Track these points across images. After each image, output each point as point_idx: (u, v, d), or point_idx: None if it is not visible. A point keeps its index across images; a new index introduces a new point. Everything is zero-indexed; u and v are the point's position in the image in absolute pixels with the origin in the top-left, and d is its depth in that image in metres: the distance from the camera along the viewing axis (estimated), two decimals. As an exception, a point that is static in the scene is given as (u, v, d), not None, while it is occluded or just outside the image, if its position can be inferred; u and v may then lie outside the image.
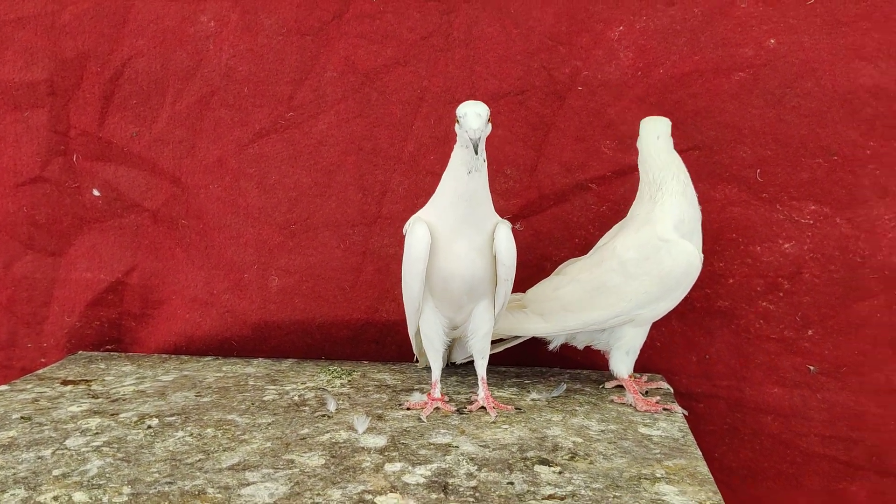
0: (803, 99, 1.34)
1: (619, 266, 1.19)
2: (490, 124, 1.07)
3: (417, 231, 1.10)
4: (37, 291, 1.58)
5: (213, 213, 1.50)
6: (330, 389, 1.29)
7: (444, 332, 1.19)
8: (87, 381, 1.38)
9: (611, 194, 1.41)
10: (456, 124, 1.04)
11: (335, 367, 1.43)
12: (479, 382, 1.19)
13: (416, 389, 1.28)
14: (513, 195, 1.42)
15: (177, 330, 1.55)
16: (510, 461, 0.97)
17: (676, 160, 1.20)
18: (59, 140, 1.54)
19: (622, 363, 1.23)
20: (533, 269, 1.39)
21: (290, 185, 1.47)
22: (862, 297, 1.36)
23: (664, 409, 1.18)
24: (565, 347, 1.34)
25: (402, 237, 1.40)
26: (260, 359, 1.51)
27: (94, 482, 0.93)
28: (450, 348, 1.36)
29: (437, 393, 1.19)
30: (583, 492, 0.87)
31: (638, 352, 1.25)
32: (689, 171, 1.21)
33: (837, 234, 1.36)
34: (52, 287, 1.58)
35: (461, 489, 0.88)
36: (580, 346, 1.32)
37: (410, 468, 0.95)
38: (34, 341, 1.59)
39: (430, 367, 1.39)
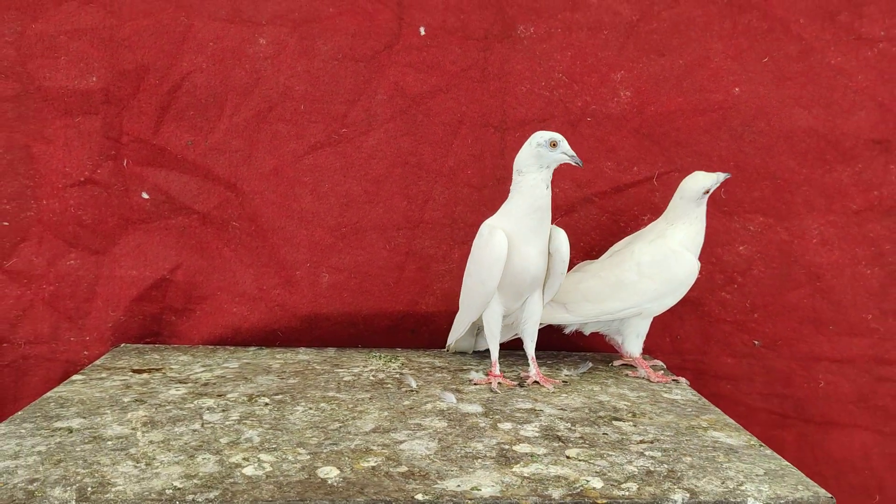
0: (757, 135, 1.71)
1: (636, 267, 1.51)
2: None
3: (499, 238, 1.35)
4: (80, 288, 1.67)
5: (267, 216, 1.66)
6: (391, 371, 1.51)
7: (503, 320, 1.45)
8: (157, 369, 1.51)
9: (610, 206, 1.72)
10: (545, 150, 1.32)
11: (380, 354, 1.65)
12: (531, 362, 1.46)
13: (468, 369, 1.53)
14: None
15: (223, 322, 1.70)
16: (591, 419, 1.25)
17: (702, 206, 1.50)
18: (110, 145, 1.64)
19: (634, 345, 1.55)
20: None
21: (342, 193, 1.66)
22: (793, 288, 1.75)
23: (673, 380, 1.51)
24: (569, 335, 1.64)
25: (441, 239, 1.67)
26: (304, 348, 1.70)
27: (265, 447, 1.11)
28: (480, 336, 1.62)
29: (497, 370, 1.45)
30: (662, 437, 1.17)
31: (644, 336, 1.57)
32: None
33: (778, 239, 1.74)
34: (95, 284, 1.68)
35: (572, 438, 1.16)
36: (587, 333, 1.62)
37: (519, 426, 1.21)
38: (77, 335, 1.68)
39: (460, 353, 1.65)
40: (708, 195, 1.50)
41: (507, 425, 1.21)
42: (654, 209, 1.70)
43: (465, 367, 1.55)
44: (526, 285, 1.40)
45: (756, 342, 1.78)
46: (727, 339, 1.78)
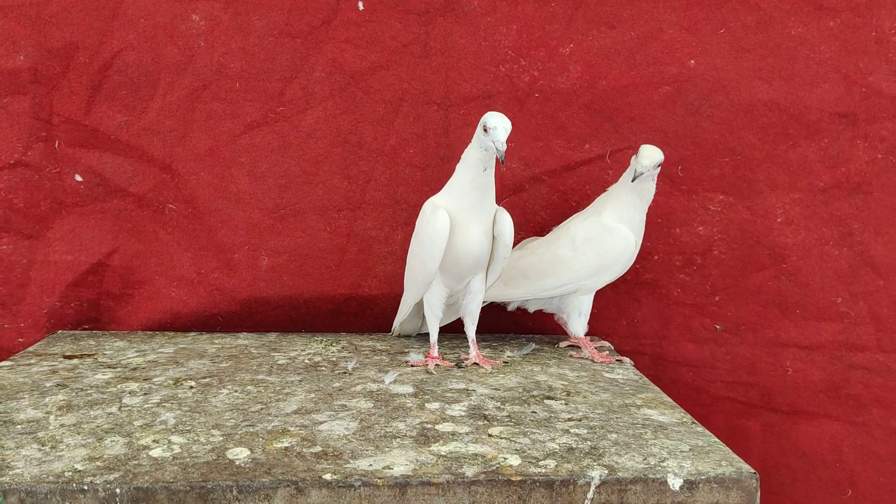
0: (715, 109, 1.71)
1: (570, 243, 1.52)
2: None
3: (441, 217, 1.35)
4: (13, 273, 1.68)
5: (203, 198, 1.67)
6: (329, 354, 1.52)
7: (445, 301, 1.45)
8: (88, 354, 1.52)
9: (560, 185, 1.72)
10: (481, 132, 1.31)
11: (321, 338, 1.66)
12: (471, 344, 1.47)
13: (408, 351, 1.54)
14: (480, 185, 1.70)
15: (162, 308, 1.71)
16: (523, 398, 1.26)
17: (648, 184, 1.50)
18: (41, 126, 1.64)
19: (578, 324, 1.56)
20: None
21: (280, 173, 1.67)
22: (757, 270, 1.75)
23: (616, 360, 1.52)
24: (517, 317, 1.65)
25: (384, 221, 1.68)
26: (244, 332, 1.70)
27: (179, 429, 1.12)
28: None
29: (435, 352, 1.45)
30: (591, 415, 1.18)
31: (588, 315, 1.57)
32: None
33: (739, 219, 1.74)
34: (29, 269, 1.68)
35: (498, 417, 1.16)
36: (531, 310, 1.64)
37: (447, 405, 1.21)
38: (11, 322, 1.69)
39: (403, 336, 1.66)
40: (642, 176, 1.47)
41: (435, 405, 1.22)
42: (606, 188, 1.70)
43: (405, 350, 1.56)
44: (468, 266, 1.40)
45: (718, 327, 1.78)
46: (687, 322, 1.78)
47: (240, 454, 1.03)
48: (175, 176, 1.67)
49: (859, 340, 1.77)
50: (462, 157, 1.38)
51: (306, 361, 1.47)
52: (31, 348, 1.57)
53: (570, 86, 1.69)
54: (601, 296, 1.75)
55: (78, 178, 1.67)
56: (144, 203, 1.68)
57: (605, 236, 1.49)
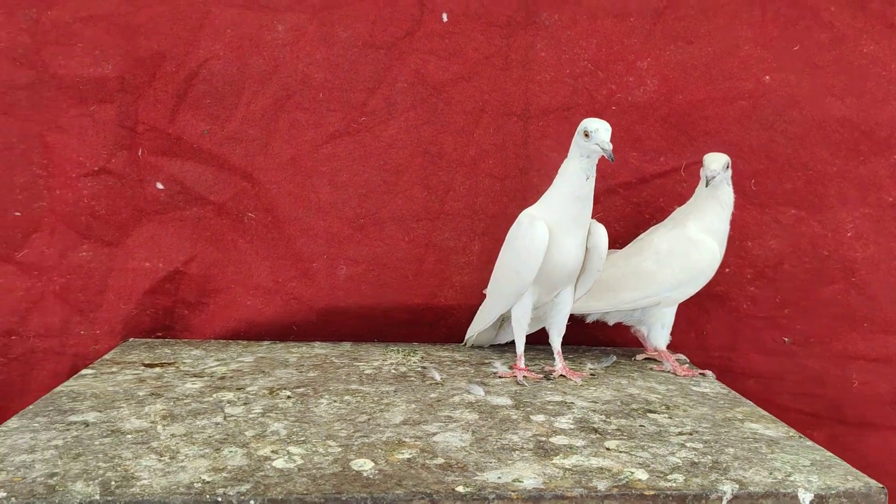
0: (789, 125, 1.70)
1: (654, 255, 1.51)
2: None
3: (540, 229, 1.34)
4: (92, 280, 1.67)
5: (283, 207, 1.66)
6: (411, 365, 1.50)
7: (529, 312, 1.44)
8: (168, 363, 1.50)
9: (634, 197, 1.72)
10: (581, 138, 1.30)
11: (398, 348, 1.65)
12: (557, 355, 1.45)
13: (490, 362, 1.52)
14: (557, 197, 1.69)
15: (237, 316, 1.70)
16: (625, 412, 1.24)
17: (719, 191, 1.49)
18: (125, 134, 1.64)
19: (660, 337, 1.55)
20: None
21: (361, 183, 1.66)
22: (826, 283, 1.74)
23: (700, 374, 1.50)
24: (588, 329, 1.64)
25: (462, 231, 1.67)
26: (318, 342, 1.69)
27: (293, 439, 1.10)
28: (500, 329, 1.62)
29: (522, 364, 1.44)
30: (699, 429, 1.17)
31: (670, 327, 1.56)
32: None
33: (810, 233, 1.73)
34: (107, 276, 1.67)
35: (609, 431, 1.15)
36: (611, 322, 1.62)
37: (553, 418, 1.20)
38: (87, 329, 1.68)
39: (477, 347, 1.65)
40: (714, 180, 1.46)
41: (540, 417, 1.21)
42: (681, 200, 1.68)
43: (486, 361, 1.55)
44: (562, 279, 1.39)
45: (786, 339, 1.77)
46: (756, 335, 1.77)
47: (364, 465, 1.02)
48: (256, 185, 1.66)
49: (926, 354, 1.76)
50: (560, 170, 1.37)
51: (393, 371, 1.46)
52: (107, 356, 1.55)
53: (646, 99, 1.69)
54: (672, 308, 1.75)
55: (159, 185, 1.66)
56: (224, 211, 1.67)
57: (691, 248, 1.47)
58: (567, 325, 1.58)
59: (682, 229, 1.50)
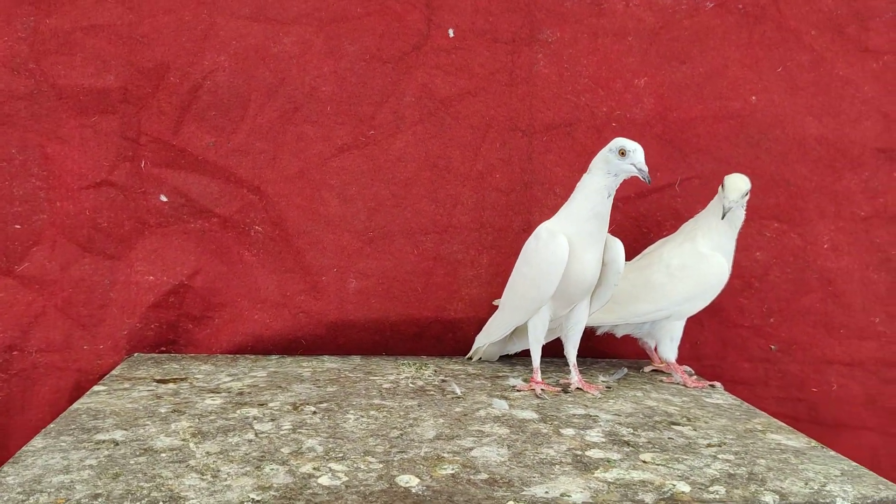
0: (773, 143, 1.73)
1: (664, 269, 1.50)
2: None
3: (561, 243, 1.31)
4: (94, 294, 1.59)
5: (292, 220, 1.60)
6: (425, 378, 1.47)
7: (546, 326, 1.42)
8: (180, 378, 1.44)
9: (633, 212, 1.72)
10: (614, 157, 1.28)
11: (408, 361, 1.60)
12: (572, 368, 1.43)
13: (504, 376, 1.49)
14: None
15: (244, 330, 1.63)
16: (650, 424, 1.23)
17: (738, 212, 1.48)
18: (128, 146, 1.56)
19: (670, 349, 1.54)
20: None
21: (370, 197, 1.62)
22: (806, 292, 1.77)
23: (709, 385, 1.50)
24: (595, 341, 1.63)
25: (470, 244, 1.64)
26: (327, 356, 1.64)
27: (332, 455, 1.06)
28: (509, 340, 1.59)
29: (539, 377, 1.42)
30: (727, 441, 1.16)
31: (678, 340, 1.55)
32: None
33: (792, 245, 1.76)
34: (110, 290, 1.59)
35: (640, 443, 1.14)
36: (619, 335, 1.61)
37: (583, 431, 1.18)
38: (90, 343, 1.59)
39: (486, 361, 1.62)
40: (732, 210, 1.46)
41: (570, 431, 1.18)
42: (675, 215, 1.71)
43: (500, 374, 1.52)
44: (579, 292, 1.38)
45: (773, 347, 1.79)
46: (744, 343, 1.79)
47: (410, 482, 0.98)
48: (263, 198, 1.60)
49: (894, 357, 1.80)
50: (580, 185, 1.36)
51: (411, 385, 1.42)
52: (115, 372, 1.48)
53: (643, 116, 1.69)
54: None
55: (163, 198, 1.59)
56: (229, 224, 1.61)
57: (702, 264, 1.47)
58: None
59: (692, 244, 1.50)
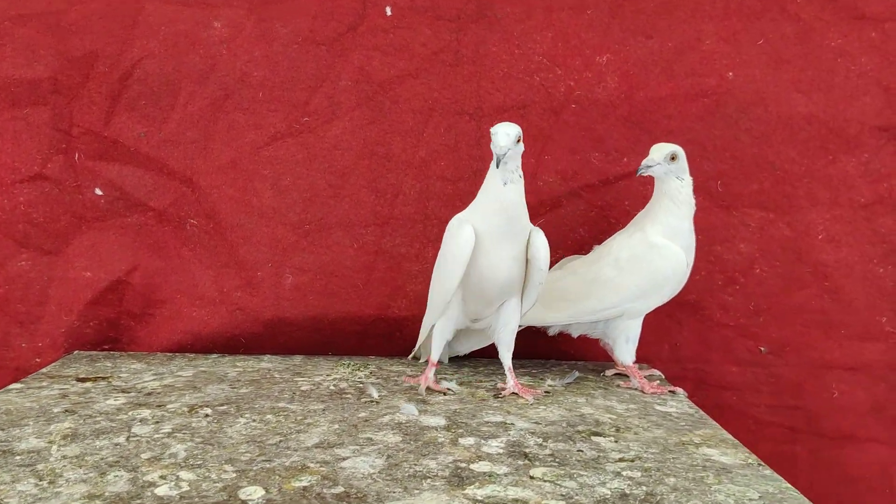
0: (754, 123, 1.53)
1: (613, 262, 1.33)
2: (521, 143, 1.17)
3: (466, 233, 1.17)
4: (32, 291, 1.53)
5: (225, 213, 1.51)
6: (356, 380, 1.34)
7: (458, 326, 1.28)
8: (103, 377, 1.36)
9: (598, 200, 1.54)
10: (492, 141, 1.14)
11: (348, 362, 1.48)
12: (507, 372, 1.28)
13: (441, 378, 1.35)
14: (515, 200, 1.53)
15: (183, 328, 1.54)
16: (567, 434, 1.07)
17: (669, 190, 1.31)
18: (60, 138, 1.49)
19: (625, 351, 1.36)
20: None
21: (305, 187, 1.50)
22: (799, 288, 1.56)
23: (669, 391, 1.32)
24: (558, 342, 1.46)
25: (413, 237, 1.50)
26: (267, 355, 1.53)
27: (190, 463, 0.95)
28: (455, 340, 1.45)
29: (431, 374, 1.27)
30: (645, 455, 0.99)
31: (636, 341, 1.37)
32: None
33: (780, 236, 1.55)
34: (48, 286, 1.53)
35: (541, 456, 0.98)
36: (574, 335, 1.44)
37: (483, 441, 1.03)
38: (28, 341, 1.53)
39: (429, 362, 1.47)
40: (652, 170, 1.29)
41: (470, 440, 1.04)
42: (646, 203, 1.52)
43: (438, 377, 1.37)
44: (494, 292, 1.23)
45: (762, 349, 1.59)
46: (730, 345, 1.59)
47: (253, 494, 0.86)
48: (196, 189, 1.50)
49: (905, 361, 1.56)
50: (487, 175, 1.21)
51: (331, 388, 1.29)
52: (44, 369, 1.41)
53: (607, 97, 1.52)
54: (643, 319, 1.57)
55: (98, 191, 1.51)
56: (165, 218, 1.52)
57: (653, 255, 1.30)
58: (531, 338, 1.42)
59: (642, 234, 1.33)
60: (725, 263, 1.56)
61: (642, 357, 1.57)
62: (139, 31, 1.47)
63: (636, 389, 1.33)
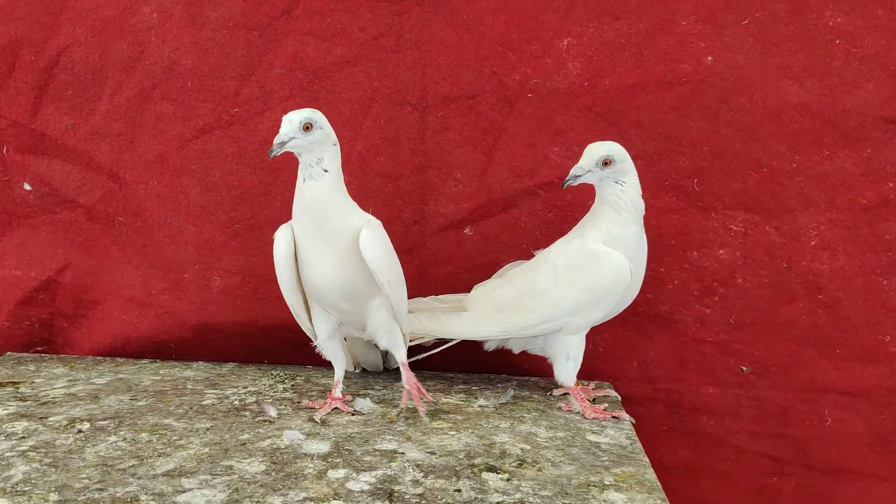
0: (737, 114, 1.33)
1: (550, 272, 1.16)
2: (321, 131, 1.02)
3: (278, 240, 1.08)
4: (-40, 289, 1.45)
5: (152, 210, 1.39)
6: (272, 394, 1.21)
7: (333, 332, 1.14)
8: (14, 382, 1.27)
9: (557, 200, 1.37)
10: None
11: (278, 372, 1.35)
12: (402, 367, 1.12)
13: (366, 394, 1.21)
14: (462, 199, 1.37)
15: (112, 331, 1.44)
16: (457, 468, 0.91)
17: (608, 192, 1.14)
18: (-12, 131, 1.41)
19: (564, 371, 1.19)
20: (481, 273, 1.33)
21: (234, 184, 1.38)
22: (788, 301, 1.36)
23: (612, 417, 1.14)
24: (508, 356, 1.30)
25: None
26: (200, 362, 1.41)
27: (17, 488, 0.83)
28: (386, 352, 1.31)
29: (337, 393, 1.13)
30: (531, 499, 0.82)
31: (579, 360, 1.20)
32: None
33: (766, 241, 1.35)
34: (-24, 285, 1.45)
35: (406, 496, 0.82)
36: (516, 350, 1.27)
37: (354, 475, 0.88)
38: (-44, 341, 1.45)
39: (368, 372, 1.34)
40: (579, 179, 1.13)
41: (340, 473, 0.89)
42: (605, 204, 1.34)
43: (363, 392, 1.23)
44: (336, 296, 1.08)
45: (744, 368, 1.39)
46: (708, 363, 1.40)
47: (56, 534, 0.73)
48: (123, 185, 1.40)
49: (912, 386, 1.34)
50: None
51: (235, 403, 1.16)
52: (-37, 373, 1.32)
53: (568, 85, 1.34)
54: (608, 331, 1.39)
55: (27, 186, 1.42)
56: (94, 215, 1.42)
57: (592, 263, 1.12)
58: (479, 349, 1.27)
59: (581, 240, 1.16)
60: (702, 271, 1.37)
61: (608, 375, 1.40)
62: (65, 18, 1.37)
63: (577, 413, 1.15)
